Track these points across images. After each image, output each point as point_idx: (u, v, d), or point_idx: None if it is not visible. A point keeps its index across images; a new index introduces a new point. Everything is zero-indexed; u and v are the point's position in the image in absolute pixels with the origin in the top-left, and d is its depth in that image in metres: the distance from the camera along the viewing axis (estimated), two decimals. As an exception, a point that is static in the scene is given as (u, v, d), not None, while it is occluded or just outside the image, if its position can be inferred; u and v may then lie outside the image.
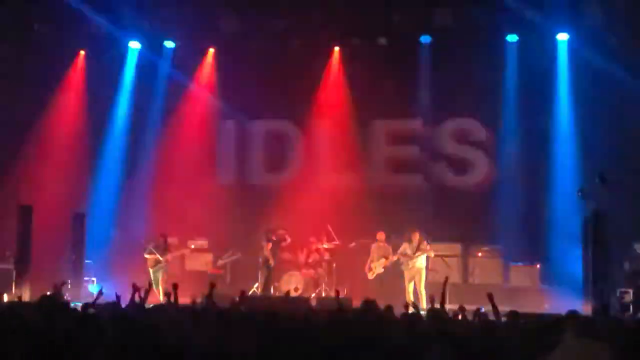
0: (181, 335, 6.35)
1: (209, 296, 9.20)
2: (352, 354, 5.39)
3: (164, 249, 16.99)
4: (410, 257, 16.18)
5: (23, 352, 5.29)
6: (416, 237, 16.30)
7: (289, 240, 17.68)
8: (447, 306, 10.24)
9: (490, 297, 8.94)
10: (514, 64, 18.55)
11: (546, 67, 18.35)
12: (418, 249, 16.19)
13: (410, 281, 16.16)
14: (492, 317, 8.55)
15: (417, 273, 16.19)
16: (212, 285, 9.43)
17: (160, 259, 16.77)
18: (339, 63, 19.66)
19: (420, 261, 16.24)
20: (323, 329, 6.73)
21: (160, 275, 16.66)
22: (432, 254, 16.28)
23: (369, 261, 16.93)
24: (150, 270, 16.70)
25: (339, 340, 5.94)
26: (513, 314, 8.75)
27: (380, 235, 16.97)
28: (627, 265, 15.70)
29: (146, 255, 16.85)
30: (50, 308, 7.63)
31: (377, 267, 16.77)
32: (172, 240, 17.68)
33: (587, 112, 17.57)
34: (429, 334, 6.26)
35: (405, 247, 16.34)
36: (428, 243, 16.25)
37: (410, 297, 15.52)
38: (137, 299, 9.16)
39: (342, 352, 5.56)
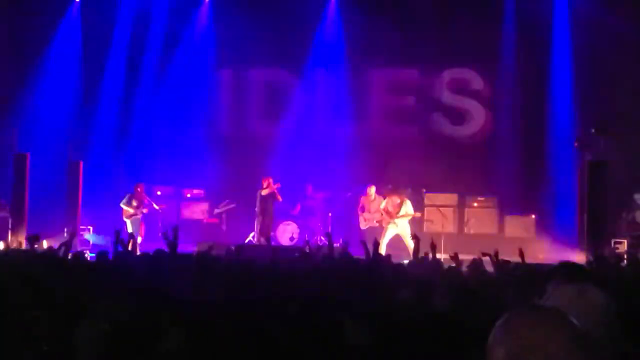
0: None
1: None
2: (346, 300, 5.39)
3: (139, 200, 17.02)
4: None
5: (27, 300, 5.25)
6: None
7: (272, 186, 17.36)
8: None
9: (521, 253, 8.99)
10: (512, 14, 18.38)
11: (544, 16, 18.18)
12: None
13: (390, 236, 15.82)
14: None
15: (404, 228, 15.86)
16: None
17: (131, 211, 16.88)
18: (336, 11, 19.43)
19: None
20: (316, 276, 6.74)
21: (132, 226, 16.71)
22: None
23: (361, 212, 16.92)
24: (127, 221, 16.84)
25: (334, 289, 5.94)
26: (504, 263, 8.81)
27: (370, 190, 16.86)
28: (626, 216, 15.73)
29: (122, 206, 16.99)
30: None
31: (371, 219, 16.73)
32: (165, 189, 17.56)
33: (586, 62, 17.46)
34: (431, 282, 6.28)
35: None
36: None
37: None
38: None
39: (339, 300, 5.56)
